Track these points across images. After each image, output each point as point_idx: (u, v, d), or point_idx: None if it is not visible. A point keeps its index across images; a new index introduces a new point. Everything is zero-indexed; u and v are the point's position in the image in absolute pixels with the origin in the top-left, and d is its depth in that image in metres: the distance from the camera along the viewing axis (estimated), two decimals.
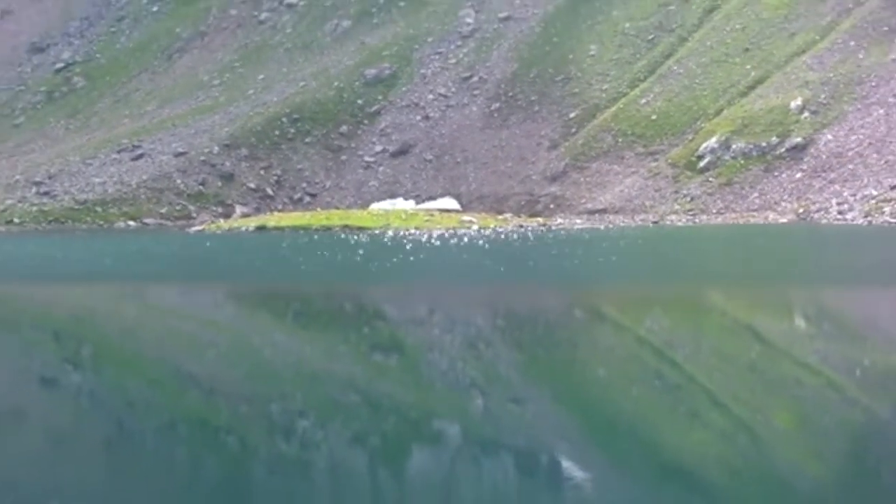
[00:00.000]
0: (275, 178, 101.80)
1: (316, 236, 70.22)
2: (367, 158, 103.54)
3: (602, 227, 77.39)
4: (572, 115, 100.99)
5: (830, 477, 12.99)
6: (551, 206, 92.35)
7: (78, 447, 15.35)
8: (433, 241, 60.81)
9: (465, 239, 62.17)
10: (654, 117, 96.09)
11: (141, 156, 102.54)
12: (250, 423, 16.65)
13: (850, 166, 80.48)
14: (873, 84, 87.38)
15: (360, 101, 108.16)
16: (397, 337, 26.68)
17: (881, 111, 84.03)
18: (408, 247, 56.71)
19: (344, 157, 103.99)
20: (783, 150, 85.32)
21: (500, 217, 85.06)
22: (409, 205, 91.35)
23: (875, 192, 75.56)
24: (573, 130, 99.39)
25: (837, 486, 12.57)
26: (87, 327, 29.96)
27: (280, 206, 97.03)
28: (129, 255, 59.47)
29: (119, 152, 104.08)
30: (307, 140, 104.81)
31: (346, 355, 23.43)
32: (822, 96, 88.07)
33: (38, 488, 12.39)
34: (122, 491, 12.71)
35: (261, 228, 79.45)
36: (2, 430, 16.67)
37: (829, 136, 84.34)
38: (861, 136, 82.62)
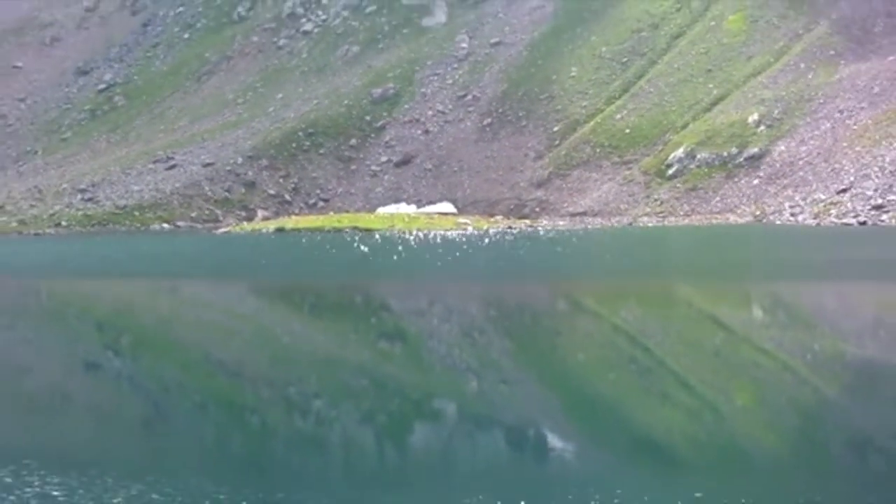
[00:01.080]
0: (292, 185, 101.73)
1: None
2: (373, 168, 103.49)
3: (582, 227, 77.37)
4: (555, 128, 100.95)
5: (784, 447, 13.01)
6: (537, 209, 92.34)
7: (119, 423, 15.36)
8: (433, 240, 60.82)
9: (461, 238, 62.17)
10: (627, 131, 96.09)
11: (174, 166, 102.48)
12: (272, 402, 16.67)
13: (801, 173, 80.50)
14: (821, 101, 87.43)
15: (367, 117, 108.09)
16: (401, 326, 26.68)
17: (828, 125, 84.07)
18: (411, 245, 56.68)
19: (353, 167, 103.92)
20: (742, 159, 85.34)
21: (491, 219, 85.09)
22: (412, 209, 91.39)
23: (823, 197, 75.56)
24: (556, 142, 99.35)
25: (789, 455, 12.60)
26: (126, 318, 29.95)
27: (297, 210, 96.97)
28: (163, 253, 59.44)
29: (154, 163, 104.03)
30: (321, 151, 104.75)
31: (355, 343, 23.43)
32: (776, 112, 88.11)
33: (86, 457, 12.40)
34: (159, 460, 12.72)
35: (280, 230, 79.44)
36: (53, 409, 16.68)
37: (783, 147, 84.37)
38: (810, 147, 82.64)
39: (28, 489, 10.91)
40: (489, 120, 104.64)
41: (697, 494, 10.40)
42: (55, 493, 10.79)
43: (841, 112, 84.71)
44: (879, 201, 71.55)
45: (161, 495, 10.65)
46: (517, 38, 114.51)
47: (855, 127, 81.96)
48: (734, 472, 11.78)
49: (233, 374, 19.66)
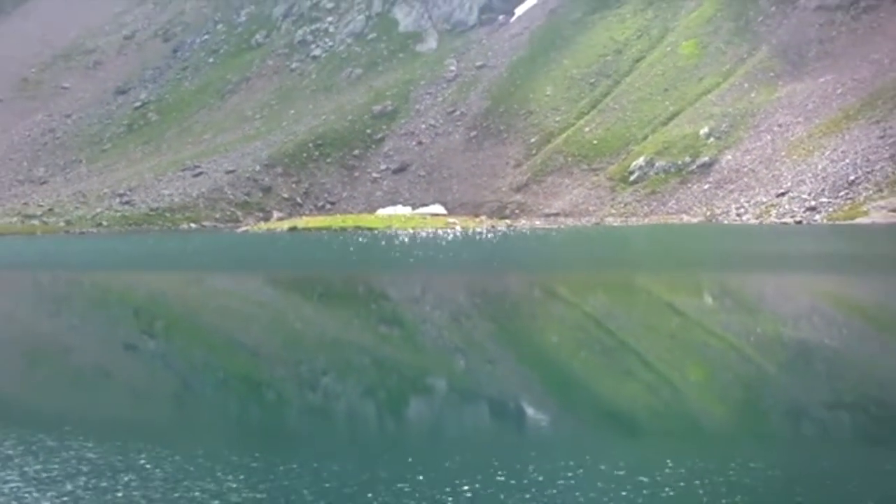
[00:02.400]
0: (303, 189, 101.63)
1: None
2: (374, 174, 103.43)
3: (556, 226, 77.40)
4: (532, 140, 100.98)
5: (729, 416, 13.04)
6: (517, 210, 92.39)
7: (151, 395, 15.33)
8: (427, 237, 60.84)
9: (451, 236, 62.15)
10: (595, 142, 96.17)
11: (200, 173, 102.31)
12: (286, 378, 16.64)
13: (746, 179, 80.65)
14: (763, 116, 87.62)
15: (368, 131, 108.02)
16: (398, 312, 26.65)
17: (769, 137, 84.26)
18: (407, 241, 56.67)
19: (356, 174, 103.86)
20: (694, 167, 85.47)
21: (477, 219, 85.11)
22: (407, 210, 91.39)
23: (764, 199, 75.72)
24: (533, 152, 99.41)
25: (734, 422, 12.63)
26: (159, 305, 29.89)
27: (307, 212, 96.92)
28: (190, 250, 59.34)
29: (183, 170, 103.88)
30: (328, 160, 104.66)
31: (358, 326, 23.40)
32: (724, 126, 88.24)
33: (120, 424, 12.38)
34: (184, 427, 12.71)
35: (292, 229, 79.39)
36: (93, 383, 16.64)
37: (730, 156, 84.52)
38: (753, 156, 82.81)
39: (67, 452, 10.93)
40: (474, 133, 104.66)
41: (651, 454, 10.41)
42: (91, 455, 10.80)
43: (780, 126, 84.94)
44: (813, 203, 71.75)
45: (184, 457, 10.65)
46: (499, 62, 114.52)
47: (792, 139, 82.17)
48: (686, 437, 11.80)
49: (251, 354, 19.64)
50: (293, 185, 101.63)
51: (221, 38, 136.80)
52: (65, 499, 9.31)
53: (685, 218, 78.72)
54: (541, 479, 9.69)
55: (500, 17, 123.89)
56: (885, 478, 9.98)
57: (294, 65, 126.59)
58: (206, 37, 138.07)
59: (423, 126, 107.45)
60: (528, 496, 9.18)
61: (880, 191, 70.26)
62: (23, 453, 10.92)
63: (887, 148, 73.99)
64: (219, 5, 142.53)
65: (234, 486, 9.65)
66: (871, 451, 11.28)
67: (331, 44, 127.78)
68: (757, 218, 72.72)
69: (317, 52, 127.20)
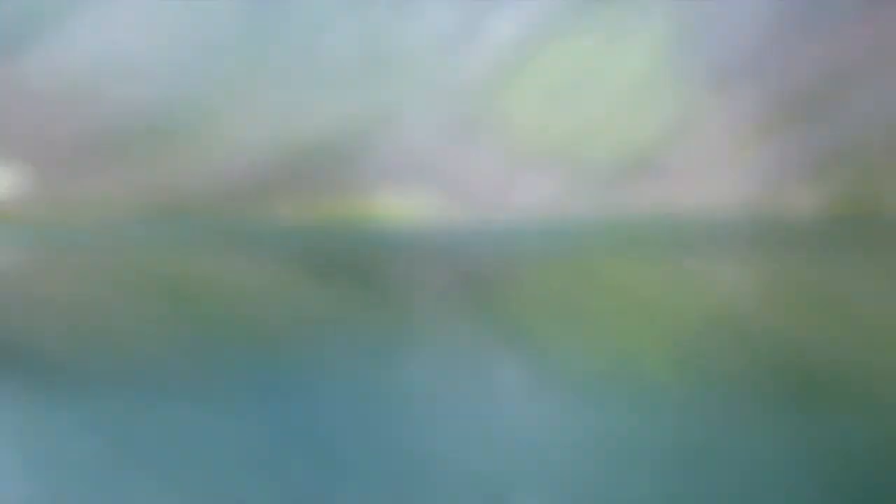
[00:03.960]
0: None
1: None
2: None
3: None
4: None
5: (668, 376, 13.69)
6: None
7: (170, 354, 15.86)
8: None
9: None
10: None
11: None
12: (290, 340, 17.21)
13: None
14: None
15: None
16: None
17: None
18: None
19: None
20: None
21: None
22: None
23: None
24: None
25: (670, 381, 13.27)
26: (185, 279, 30.28)
27: None
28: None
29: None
30: None
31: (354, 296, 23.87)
32: None
33: (144, 378, 12.88)
34: (201, 380, 13.26)
35: None
36: (121, 345, 17.13)
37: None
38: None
39: (96, 401, 11.50)
40: None
41: (596, 406, 11.05)
42: (111, 403, 11.39)
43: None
44: None
45: (193, 404, 11.22)
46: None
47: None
48: (628, 392, 12.45)
49: (261, 322, 20.15)
50: None
51: None
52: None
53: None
54: (501, 428, 10.32)
55: None
56: (792, 427, 10.67)
57: None
58: None
59: None
60: (487, 442, 9.79)
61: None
62: (52, 399, 11.52)
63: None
64: None
65: (240, 428, 10.27)
66: (786, 405, 11.99)
67: None
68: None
69: None
